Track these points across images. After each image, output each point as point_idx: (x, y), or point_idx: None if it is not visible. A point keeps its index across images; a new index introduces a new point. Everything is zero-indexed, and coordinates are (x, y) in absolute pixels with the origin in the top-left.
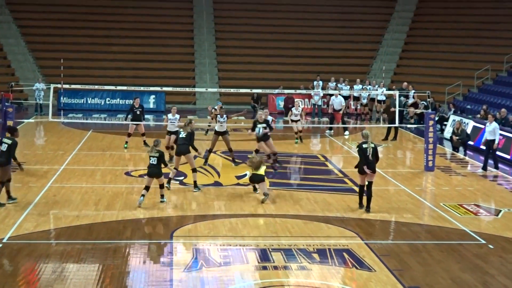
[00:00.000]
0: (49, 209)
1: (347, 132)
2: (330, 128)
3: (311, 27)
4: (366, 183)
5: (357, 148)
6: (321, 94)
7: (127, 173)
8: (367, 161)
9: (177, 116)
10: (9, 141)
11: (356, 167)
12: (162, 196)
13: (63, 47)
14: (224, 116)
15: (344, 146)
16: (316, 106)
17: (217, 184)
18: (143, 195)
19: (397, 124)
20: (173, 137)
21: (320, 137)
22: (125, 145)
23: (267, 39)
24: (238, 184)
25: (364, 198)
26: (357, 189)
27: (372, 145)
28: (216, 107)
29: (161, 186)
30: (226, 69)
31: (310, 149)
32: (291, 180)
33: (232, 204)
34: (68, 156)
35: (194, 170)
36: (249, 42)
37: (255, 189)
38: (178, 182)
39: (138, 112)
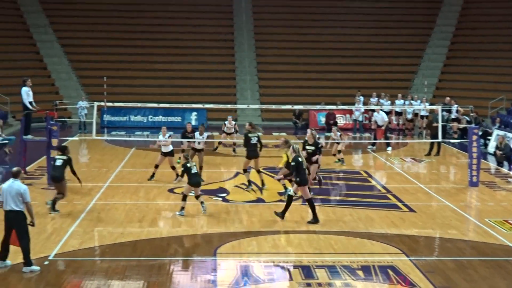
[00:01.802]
0: (94, 226)
1: (389, 148)
2: (373, 144)
3: (352, 42)
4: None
5: (293, 162)
6: (362, 110)
7: (171, 190)
8: (305, 175)
9: (167, 135)
10: (64, 157)
11: (296, 182)
12: (202, 203)
13: (106, 65)
14: (205, 134)
15: (386, 162)
16: (357, 122)
17: (259, 200)
18: (202, 202)
19: (440, 139)
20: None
21: (362, 152)
22: (150, 178)
23: (308, 54)
24: (280, 200)
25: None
26: (401, 205)
27: (302, 158)
28: (226, 122)
29: (197, 197)
30: (267, 85)
31: (352, 165)
32: (334, 196)
33: (275, 221)
34: (112, 173)
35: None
36: (290, 58)
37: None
38: (221, 199)
39: (190, 136)
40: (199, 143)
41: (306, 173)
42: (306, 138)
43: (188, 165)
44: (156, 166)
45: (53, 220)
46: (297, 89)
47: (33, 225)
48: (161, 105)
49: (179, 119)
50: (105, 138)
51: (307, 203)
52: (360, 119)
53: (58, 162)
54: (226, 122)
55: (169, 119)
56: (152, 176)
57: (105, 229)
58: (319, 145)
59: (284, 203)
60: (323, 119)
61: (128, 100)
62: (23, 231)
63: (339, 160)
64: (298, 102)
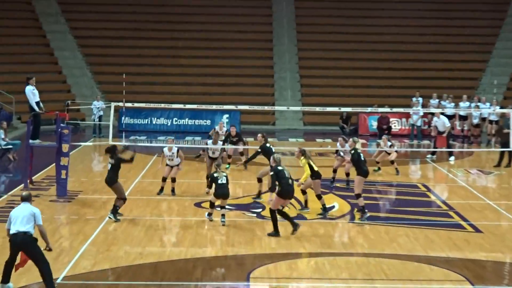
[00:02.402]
0: (108, 245)
1: (452, 157)
2: (433, 153)
3: (409, 34)
4: (280, 207)
5: (272, 173)
6: (421, 113)
7: (197, 204)
8: (288, 186)
9: (175, 150)
10: (112, 161)
11: (276, 192)
12: (222, 216)
13: (125, 60)
14: (174, 148)
15: (449, 174)
16: (415, 127)
17: (300, 217)
18: (222, 215)
19: (511, 148)
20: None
21: (420, 163)
22: (160, 192)
23: (358, 49)
24: (323, 218)
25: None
26: (465, 224)
27: (287, 168)
28: (217, 127)
29: (221, 207)
30: (310, 84)
31: (409, 177)
32: (386, 213)
33: (318, 241)
34: (131, 184)
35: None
36: (337, 52)
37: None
38: (255, 214)
39: (234, 141)
40: (213, 152)
41: (290, 183)
42: (338, 144)
43: (216, 175)
44: (164, 179)
45: (62, 238)
46: (344, 89)
47: (50, 250)
48: (188, 106)
49: (208, 122)
50: (124, 143)
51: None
52: (419, 123)
53: (108, 167)
54: (216, 127)
55: (196, 122)
56: (161, 190)
57: (122, 249)
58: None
59: (329, 220)
60: (374, 124)
61: (149, 101)
62: (39, 254)
63: (379, 168)
64: (345, 104)
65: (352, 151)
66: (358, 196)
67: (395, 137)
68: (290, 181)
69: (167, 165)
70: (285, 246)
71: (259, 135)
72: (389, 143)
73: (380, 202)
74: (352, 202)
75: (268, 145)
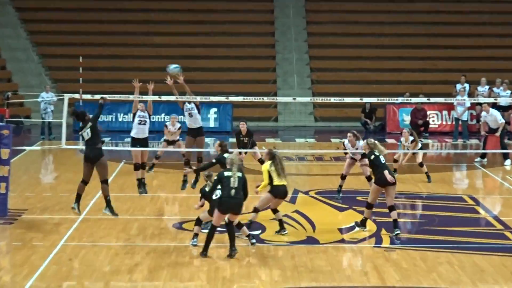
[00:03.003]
0: (62, 279)
1: (508, 161)
2: (483, 156)
3: (448, 2)
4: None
5: (216, 178)
6: (468, 104)
7: (177, 226)
8: (228, 198)
9: (177, 126)
10: (88, 125)
11: (218, 204)
12: (250, 237)
13: (83, 39)
14: (177, 124)
15: (504, 182)
16: (460, 122)
17: (310, 241)
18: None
19: None
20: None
21: (467, 168)
22: (150, 169)
23: (384, 21)
24: (342, 240)
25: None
26: None
27: (239, 174)
28: (168, 123)
29: (239, 226)
30: (323, 68)
31: (452, 187)
32: (422, 234)
33: (334, 272)
34: (90, 200)
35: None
36: (357, 26)
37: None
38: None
39: (245, 141)
40: (171, 134)
41: (233, 195)
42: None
43: (207, 189)
44: (157, 157)
45: (1, 271)
46: (367, 73)
47: None
48: (164, 97)
49: None
50: (81, 147)
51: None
52: (465, 118)
53: (86, 136)
54: (168, 124)
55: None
56: (151, 168)
57: (80, 283)
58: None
59: (349, 244)
60: (407, 118)
61: (114, 91)
62: None
63: (395, 170)
64: (369, 93)
65: (372, 156)
66: (368, 206)
67: (434, 135)
68: (233, 191)
69: (165, 140)
70: (292, 279)
71: (216, 143)
72: (411, 138)
73: (415, 220)
74: (379, 220)
75: (226, 155)
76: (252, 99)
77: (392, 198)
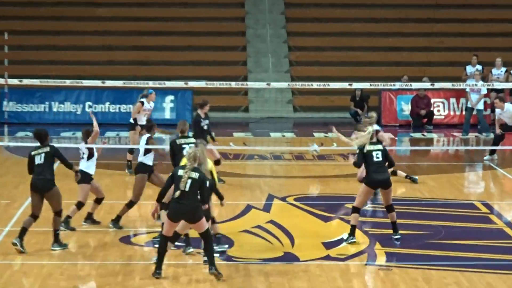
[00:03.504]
0: None
1: None
2: (492, 152)
3: None
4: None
5: (170, 173)
6: (484, 91)
7: (125, 239)
8: (175, 202)
9: (152, 105)
10: (46, 149)
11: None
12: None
13: (7, 11)
14: (153, 103)
15: None
16: (475, 112)
17: (288, 258)
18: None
19: None
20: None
21: (479, 168)
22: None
23: None
24: (328, 257)
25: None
26: None
27: (193, 176)
28: (144, 100)
29: (206, 242)
30: (304, 46)
31: (461, 191)
32: (425, 249)
33: None
34: (18, 209)
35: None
36: None
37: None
38: (217, 255)
39: (205, 127)
40: (145, 115)
41: (179, 198)
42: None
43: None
44: (131, 151)
45: None
46: (358, 53)
47: None
48: (109, 83)
49: None
50: (6, 143)
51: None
52: (481, 106)
53: (38, 159)
54: (144, 100)
55: (123, 108)
56: (129, 166)
57: None
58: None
59: (335, 262)
60: (407, 108)
61: (48, 75)
62: None
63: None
64: (360, 77)
65: (366, 148)
66: (354, 210)
67: (439, 128)
68: (182, 195)
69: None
70: None
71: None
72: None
73: (414, 231)
74: (372, 232)
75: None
76: (216, 84)
77: (389, 199)
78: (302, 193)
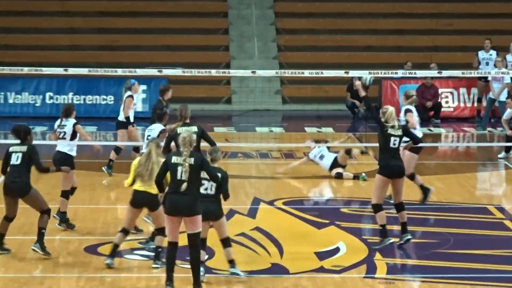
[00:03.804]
0: None
1: None
2: (508, 149)
3: None
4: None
5: (163, 162)
6: (507, 80)
7: (91, 249)
8: (172, 194)
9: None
10: (23, 147)
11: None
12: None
13: None
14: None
15: None
16: (497, 104)
17: (277, 270)
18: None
19: None
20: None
21: (493, 168)
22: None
23: None
24: (321, 269)
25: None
26: None
27: (191, 161)
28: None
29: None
30: (295, 29)
31: (473, 194)
32: (432, 259)
33: None
34: None
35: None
36: None
37: None
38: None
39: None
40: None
41: (180, 188)
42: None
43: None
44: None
45: None
46: (355, 37)
47: None
48: (73, 70)
49: (110, 99)
50: None
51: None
52: (503, 98)
53: (14, 158)
54: (132, 94)
55: (88, 99)
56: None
57: None
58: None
59: (330, 274)
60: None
61: (2, 62)
62: None
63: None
64: (357, 64)
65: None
66: (377, 208)
67: (448, 122)
68: (181, 185)
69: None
70: None
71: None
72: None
73: (420, 239)
74: (371, 240)
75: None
76: (195, 72)
77: (400, 194)
78: (292, 196)
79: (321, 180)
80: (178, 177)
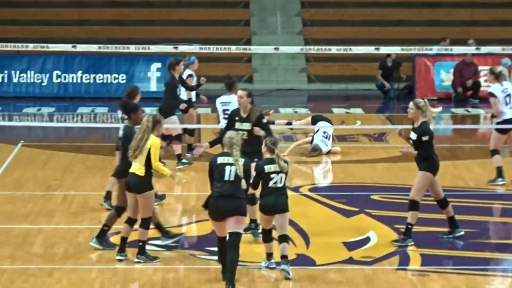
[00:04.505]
0: None
1: None
2: None
3: None
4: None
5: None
6: None
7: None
8: (221, 195)
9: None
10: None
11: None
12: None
13: None
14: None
15: None
16: None
17: (302, 261)
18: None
19: None
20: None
21: None
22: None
23: None
24: (350, 260)
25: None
26: None
27: (241, 161)
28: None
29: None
30: (321, 2)
31: None
32: (470, 250)
33: None
34: None
35: None
36: None
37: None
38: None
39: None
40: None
41: (226, 190)
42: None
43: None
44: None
45: None
46: (386, 10)
47: None
48: (81, 47)
49: (122, 77)
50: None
51: None
52: None
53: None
54: (192, 73)
55: (99, 78)
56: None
57: None
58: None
59: (359, 266)
60: (447, 77)
61: (6, 38)
62: None
63: None
64: (389, 40)
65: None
66: (414, 206)
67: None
68: (227, 187)
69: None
70: None
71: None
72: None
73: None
74: (404, 229)
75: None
76: (213, 49)
77: (440, 187)
78: (319, 183)
79: (350, 165)
80: (226, 177)
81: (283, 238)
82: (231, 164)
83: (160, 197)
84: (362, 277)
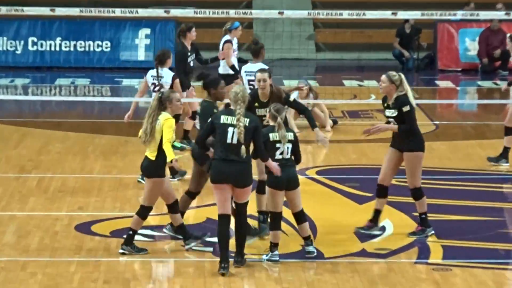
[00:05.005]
0: None
1: None
2: None
3: None
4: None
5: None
6: None
7: (84, 228)
8: (223, 158)
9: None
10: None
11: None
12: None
13: None
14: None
15: None
16: None
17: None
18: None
19: None
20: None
21: None
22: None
23: None
24: (363, 252)
25: None
26: None
27: (245, 123)
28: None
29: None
30: None
31: None
32: (496, 242)
33: None
34: None
35: None
36: None
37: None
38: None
39: (191, 63)
40: None
41: (229, 153)
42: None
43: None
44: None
45: None
46: None
47: None
48: (61, 10)
49: (106, 46)
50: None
51: None
52: None
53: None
54: (232, 40)
55: (80, 46)
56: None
57: None
58: None
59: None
60: (473, 46)
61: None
62: None
63: None
64: (408, 4)
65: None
66: (416, 193)
67: None
68: (230, 150)
69: None
70: None
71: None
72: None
73: (479, 217)
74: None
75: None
76: (209, 13)
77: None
78: (328, 164)
79: (363, 144)
80: (228, 140)
81: (301, 217)
82: (234, 126)
83: (181, 174)
84: (376, 271)
